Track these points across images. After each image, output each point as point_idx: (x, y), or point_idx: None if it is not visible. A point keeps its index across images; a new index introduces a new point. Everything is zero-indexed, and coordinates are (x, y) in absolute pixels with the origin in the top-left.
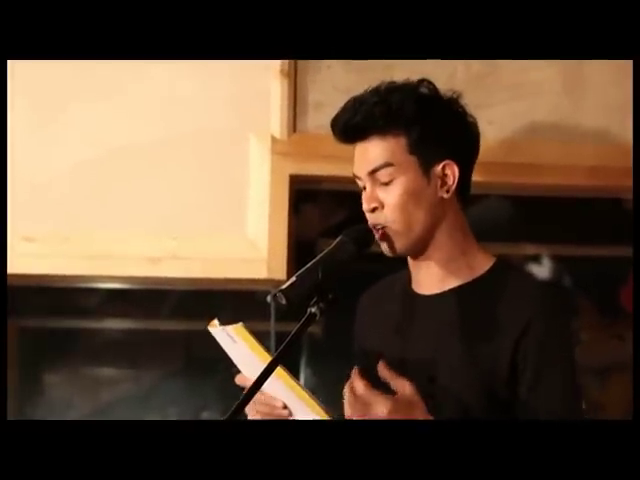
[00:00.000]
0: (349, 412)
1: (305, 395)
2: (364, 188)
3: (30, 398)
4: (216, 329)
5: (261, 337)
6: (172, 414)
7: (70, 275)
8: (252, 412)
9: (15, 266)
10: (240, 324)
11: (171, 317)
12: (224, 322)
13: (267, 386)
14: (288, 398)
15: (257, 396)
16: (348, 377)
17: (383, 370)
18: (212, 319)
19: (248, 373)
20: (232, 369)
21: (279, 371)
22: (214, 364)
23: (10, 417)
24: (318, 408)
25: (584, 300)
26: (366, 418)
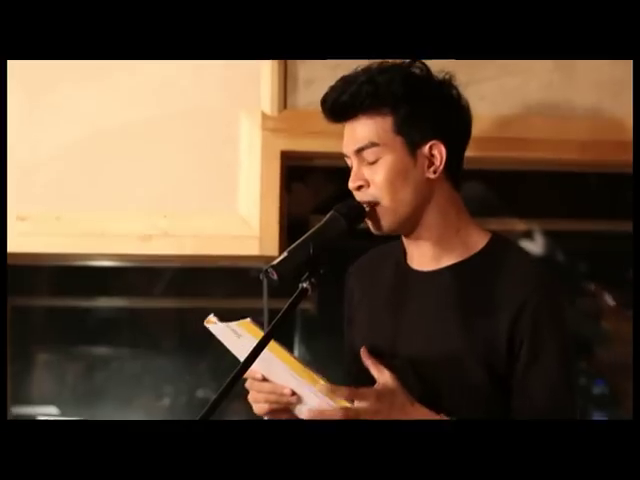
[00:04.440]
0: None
1: (306, 371)
2: (352, 166)
3: (24, 377)
4: (216, 325)
5: (254, 314)
6: (167, 392)
7: (62, 253)
8: (260, 402)
9: (8, 245)
10: (248, 320)
11: (164, 295)
12: (218, 301)
13: (270, 373)
14: (291, 379)
15: (263, 385)
16: (340, 353)
17: (365, 357)
18: (205, 297)
19: (257, 365)
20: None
21: (277, 349)
22: (208, 341)
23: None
24: (319, 381)
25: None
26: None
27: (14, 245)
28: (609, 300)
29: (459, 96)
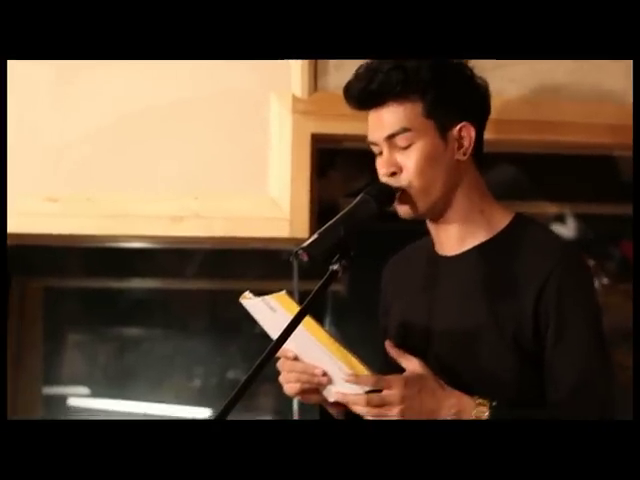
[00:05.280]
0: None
1: (340, 349)
2: (380, 153)
3: (56, 358)
4: (251, 300)
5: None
6: (198, 374)
7: (93, 235)
8: (291, 382)
9: (39, 226)
10: (284, 292)
11: (195, 276)
12: (248, 282)
13: (302, 352)
14: (323, 358)
15: (295, 365)
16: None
17: (389, 348)
18: (236, 278)
19: (290, 344)
20: (257, 328)
21: (311, 326)
22: (239, 323)
23: (36, 381)
24: (356, 363)
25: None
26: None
27: (45, 226)
28: None
29: (474, 75)
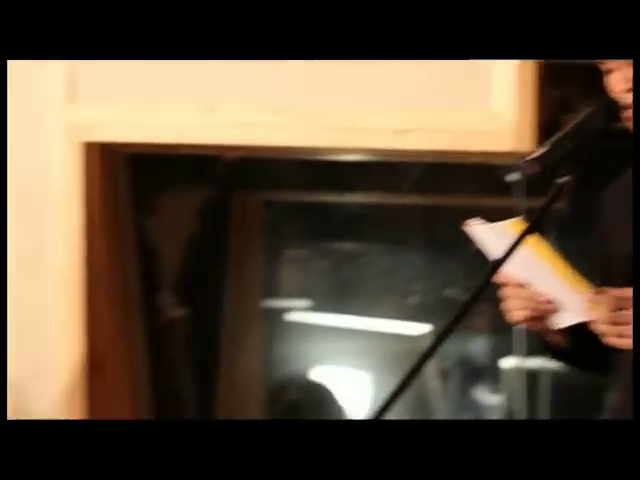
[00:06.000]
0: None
1: (570, 272)
2: (610, 71)
3: (275, 271)
4: (479, 227)
5: (501, 213)
6: (415, 290)
7: (315, 147)
8: (517, 309)
9: (264, 139)
10: (517, 219)
11: (412, 191)
12: (465, 198)
13: (528, 275)
14: (551, 281)
15: (522, 291)
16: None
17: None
18: (451, 194)
19: (516, 268)
20: (475, 245)
21: (539, 246)
22: (456, 239)
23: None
24: (583, 284)
25: None
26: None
27: (267, 138)
28: None
29: None
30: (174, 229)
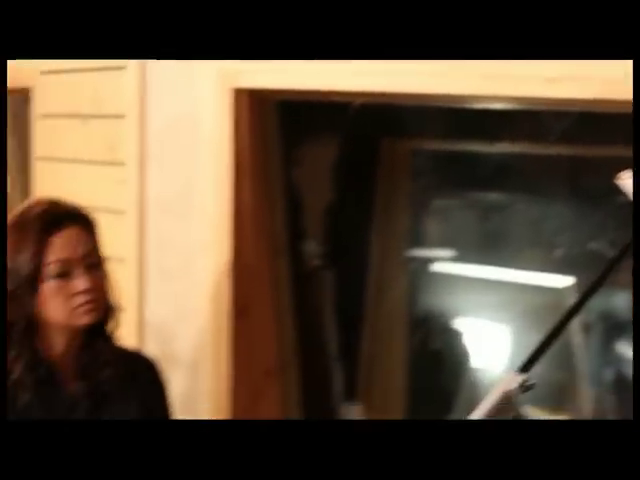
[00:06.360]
0: None
1: None
2: None
3: (420, 220)
4: (632, 180)
5: None
6: (559, 243)
7: (464, 95)
8: None
9: (412, 85)
10: None
11: (557, 142)
12: (612, 149)
13: None
14: None
15: None
16: None
17: None
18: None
19: None
20: (622, 197)
21: None
22: (602, 191)
23: (402, 243)
24: None
25: None
26: None
27: (415, 85)
28: None
29: None
30: (320, 177)
